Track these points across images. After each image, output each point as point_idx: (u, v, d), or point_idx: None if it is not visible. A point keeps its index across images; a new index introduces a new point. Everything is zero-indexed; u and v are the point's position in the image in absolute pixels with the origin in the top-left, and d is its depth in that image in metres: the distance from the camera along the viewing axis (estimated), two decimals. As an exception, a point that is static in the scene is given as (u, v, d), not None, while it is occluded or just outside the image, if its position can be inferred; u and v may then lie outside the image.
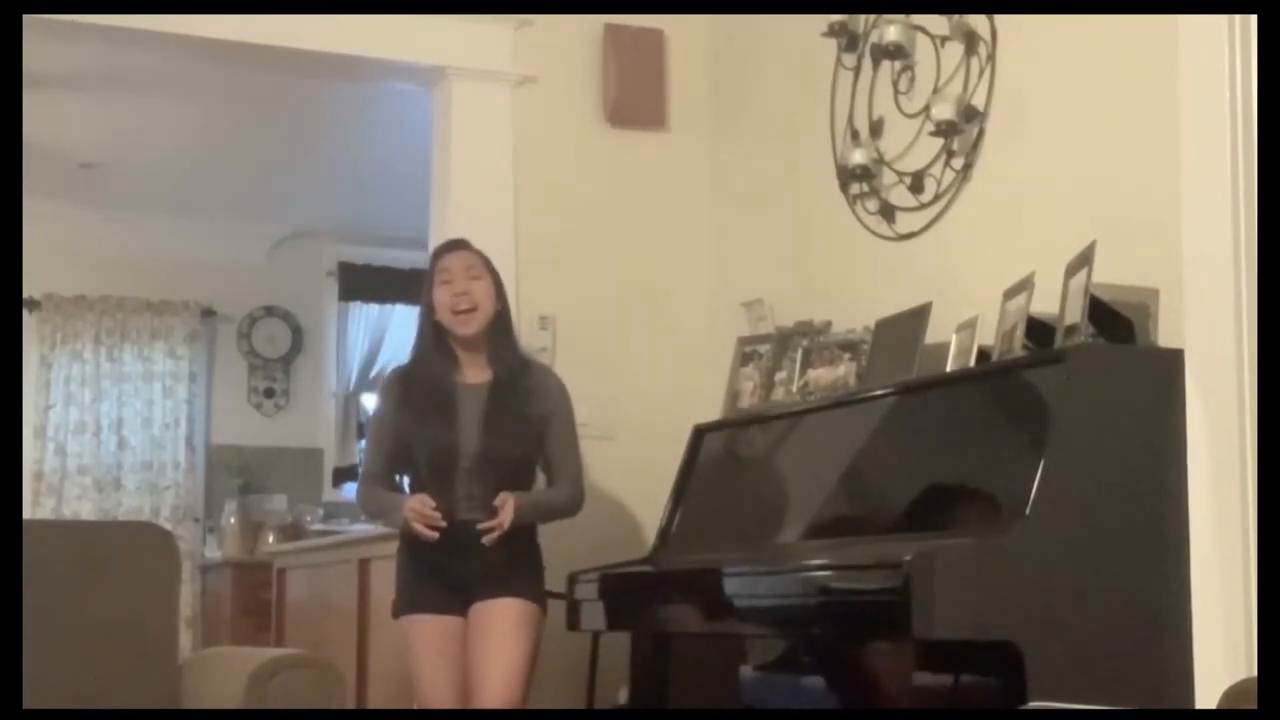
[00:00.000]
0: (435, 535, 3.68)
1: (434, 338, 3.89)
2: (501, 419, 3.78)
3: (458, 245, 3.95)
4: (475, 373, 3.87)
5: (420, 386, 3.86)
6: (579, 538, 4.14)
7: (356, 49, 4.67)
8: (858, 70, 4.22)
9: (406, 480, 3.92)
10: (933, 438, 3.39)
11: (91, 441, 8.07)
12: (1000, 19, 3.68)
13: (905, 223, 4.00)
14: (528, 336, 4.53)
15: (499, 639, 3.69)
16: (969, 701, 3.02)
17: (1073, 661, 2.80)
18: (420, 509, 3.68)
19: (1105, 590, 2.87)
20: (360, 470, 4.05)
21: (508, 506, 3.69)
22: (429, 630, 3.77)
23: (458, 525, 3.74)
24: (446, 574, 3.75)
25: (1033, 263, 3.27)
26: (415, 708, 3.94)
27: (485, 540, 3.68)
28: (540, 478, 3.93)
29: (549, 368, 4.12)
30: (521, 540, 3.80)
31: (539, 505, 3.82)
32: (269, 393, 8.55)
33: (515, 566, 3.76)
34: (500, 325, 3.89)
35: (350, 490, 8.43)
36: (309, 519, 8.02)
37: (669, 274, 4.92)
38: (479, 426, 3.78)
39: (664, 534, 4.15)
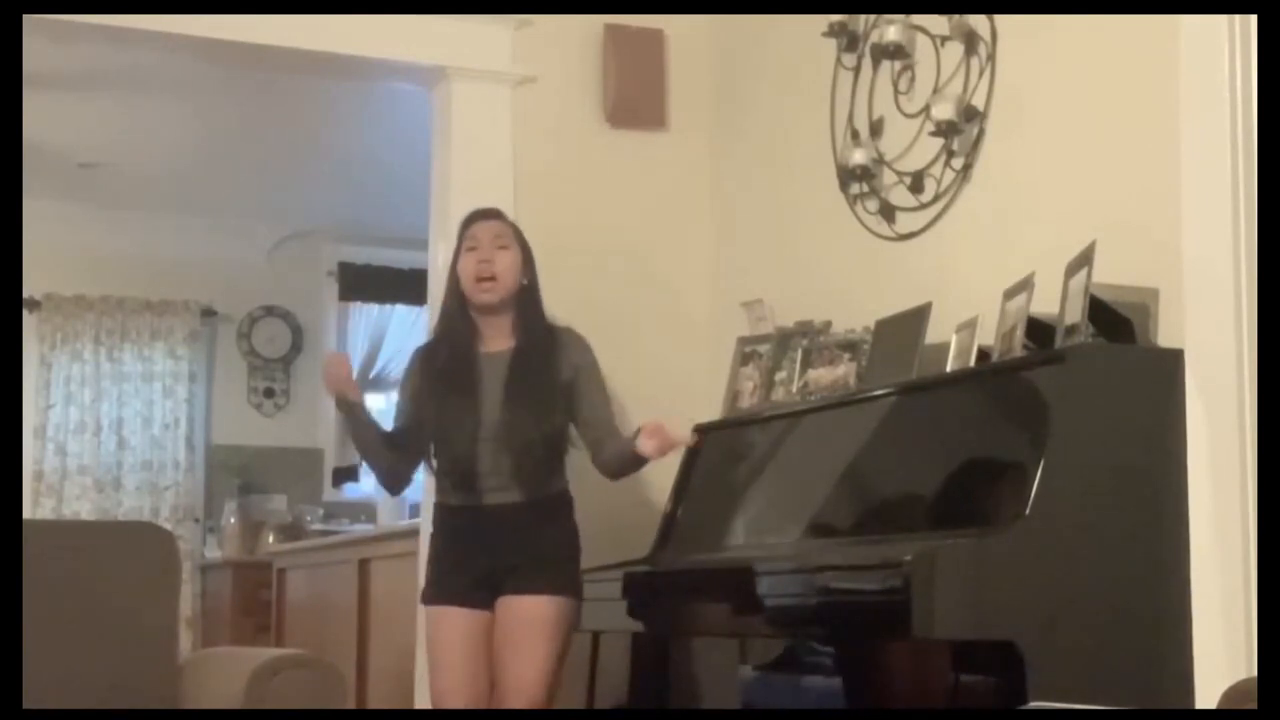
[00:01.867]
0: (343, 384, 3.70)
1: (458, 307, 3.75)
2: (525, 387, 3.63)
3: (488, 214, 3.82)
4: (498, 341, 3.73)
5: (442, 357, 3.73)
6: (579, 537, 4.14)
7: (356, 49, 4.67)
8: (858, 70, 4.22)
9: (431, 458, 3.76)
10: (933, 438, 3.39)
11: (91, 441, 8.07)
12: (1000, 19, 3.68)
13: (905, 223, 4.00)
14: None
15: (526, 641, 3.54)
16: (969, 701, 3.02)
17: (1073, 661, 2.80)
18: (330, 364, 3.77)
19: (1105, 590, 2.87)
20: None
21: (668, 429, 3.49)
22: (452, 624, 3.62)
23: (485, 512, 3.62)
24: (474, 564, 3.60)
25: (1033, 263, 3.27)
26: (420, 692, 3.91)
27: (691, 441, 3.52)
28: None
29: (570, 328, 3.90)
30: (554, 516, 3.66)
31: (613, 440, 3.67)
32: (269, 393, 8.56)
33: (547, 556, 3.61)
34: (527, 300, 3.76)
35: (350, 490, 8.46)
36: (309, 519, 8.03)
37: (669, 274, 4.92)
38: (501, 396, 3.63)
39: (664, 534, 4.16)
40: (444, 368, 3.70)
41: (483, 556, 3.61)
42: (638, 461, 3.63)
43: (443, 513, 3.74)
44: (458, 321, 3.75)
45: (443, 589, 3.67)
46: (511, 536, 3.60)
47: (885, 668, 3.40)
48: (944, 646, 2.98)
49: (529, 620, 3.55)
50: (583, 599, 3.68)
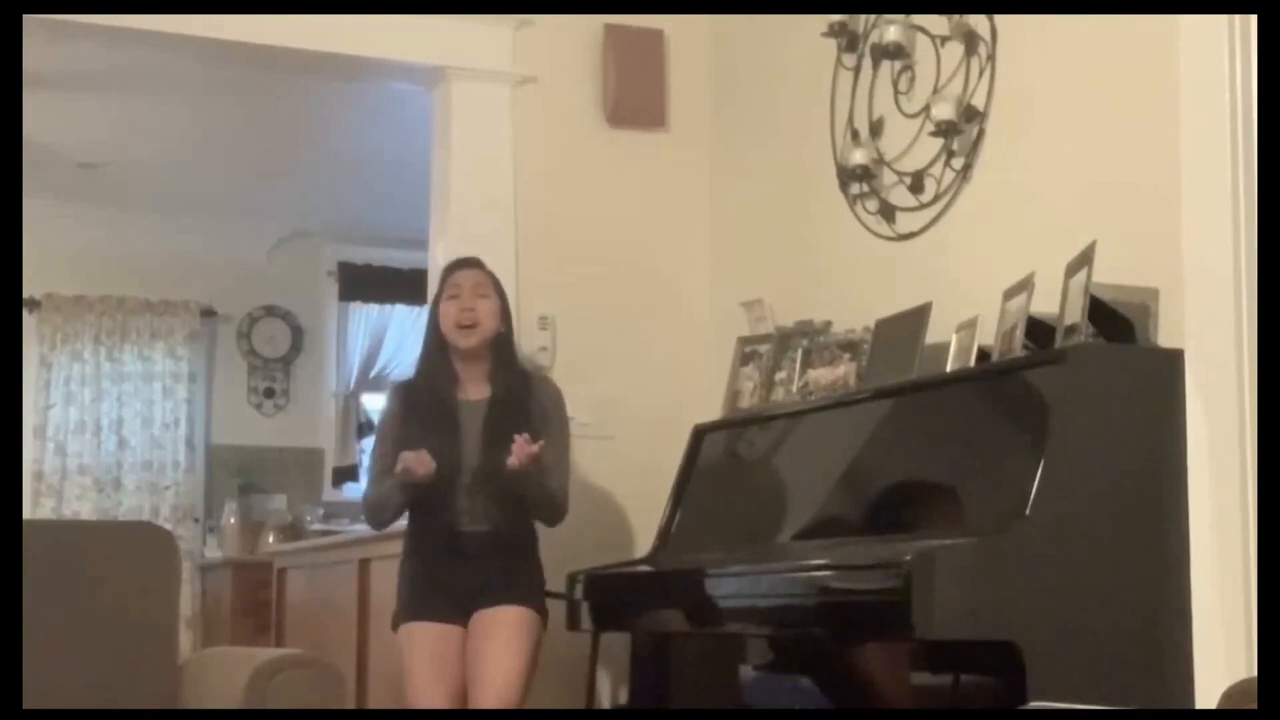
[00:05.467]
0: (430, 469, 3.69)
1: (438, 351, 3.93)
2: (501, 434, 3.78)
3: (470, 263, 4.00)
4: (475, 389, 3.91)
5: (422, 401, 3.91)
6: (579, 538, 4.14)
7: (356, 49, 4.67)
8: (858, 70, 4.22)
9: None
10: (933, 438, 3.39)
11: (91, 441, 8.06)
12: (1000, 19, 3.68)
13: (905, 223, 4.00)
14: (528, 337, 4.53)
15: (498, 644, 3.71)
16: (969, 701, 3.02)
17: (1073, 661, 2.80)
18: (414, 460, 3.69)
19: (1105, 590, 2.87)
20: (369, 473, 4.05)
21: (529, 448, 3.65)
22: (426, 636, 3.79)
23: (460, 537, 3.79)
24: (448, 585, 3.79)
25: (1033, 263, 3.27)
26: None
27: (512, 464, 3.66)
28: None
29: (548, 378, 4.14)
30: (522, 549, 3.85)
31: (541, 474, 3.79)
32: (269, 393, 8.55)
33: (515, 575, 3.80)
34: (502, 346, 3.94)
35: (350, 490, 8.45)
36: (309, 519, 8.02)
37: (669, 274, 4.92)
38: (479, 442, 3.81)
39: (664, 534, 4.15)
40: (427, 416, 3.87)
41: (456, 579, 3.79)
42: (530, 494, 3.81)
43: (417, 540, 3.89)
44: (438, 369, 3.92)
45: (416, 607, 3.84)
46: (483, 561, 3.78)
47: (883, 668, 3.39)
48: (944, 646, 2.97)
49: (501, 626, 3.74)
50: (546, 617, 3.83)
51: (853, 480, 3.59)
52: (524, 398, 3.90)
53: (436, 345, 3.94)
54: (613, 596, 3.92)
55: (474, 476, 3.79)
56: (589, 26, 4.88)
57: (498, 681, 3.68)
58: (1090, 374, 2.99)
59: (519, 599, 3.77)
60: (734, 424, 4.20)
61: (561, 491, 3.89)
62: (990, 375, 3.29)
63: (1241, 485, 2.82)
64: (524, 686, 3.72)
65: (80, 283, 8.14)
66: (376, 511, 3.94)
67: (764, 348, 4.27)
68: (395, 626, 3.89)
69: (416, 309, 8.15)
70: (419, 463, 3.69)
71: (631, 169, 4.92)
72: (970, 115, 3.73)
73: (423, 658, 3.78)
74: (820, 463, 3.74)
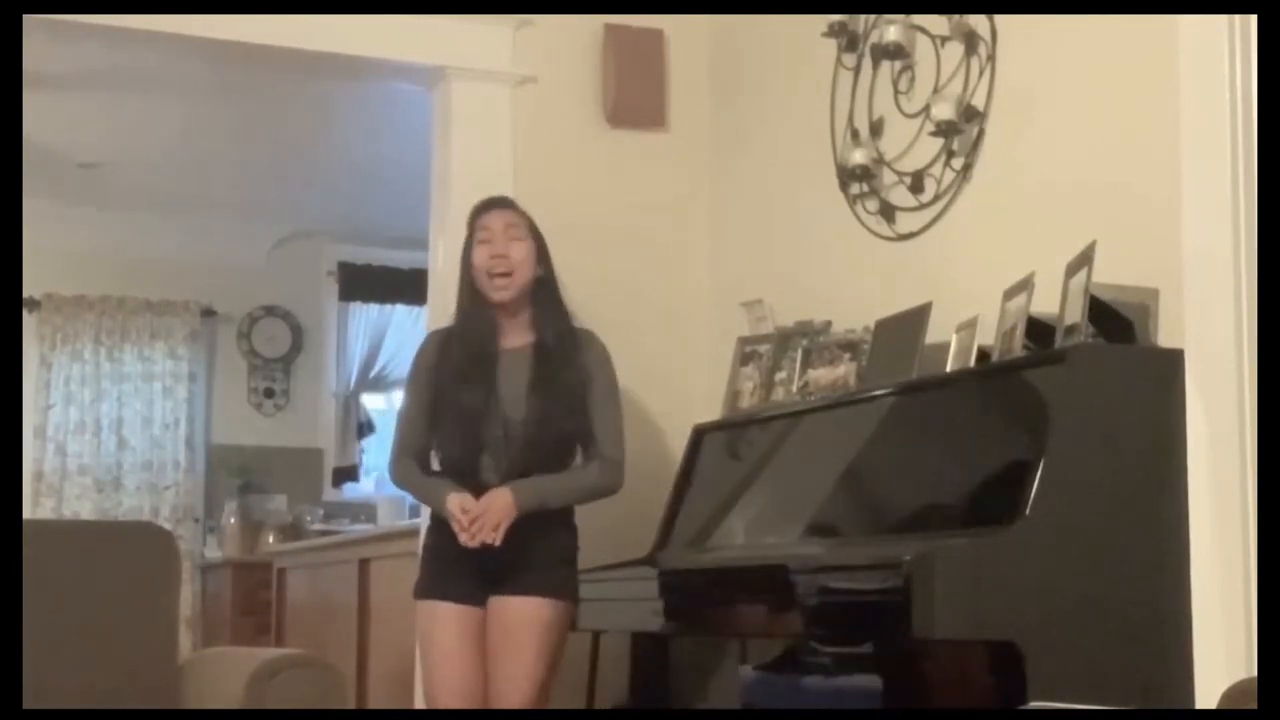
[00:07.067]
0: (474, 544, 3.52)
1: (472, 299, 3.71)
2: (549, 385, 3.62)
3: (499, 203, 3.79)
4: (517, 336, 3.72)
5: (458, 350, 3.69)
6: (579, 538, 4.13)
7: (356, 49, 4.67)
8: (858, 70, 4.22)
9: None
10: (933, 438, 3.39)
11: (91, 441, 8.08)
12: (1000, 19, 3.68)
13: (905, 223, 4.00)
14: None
15: (515, 642, 3.57)
16: (969, 701, 3.02)
17: (1073, 661, 2.80)
18: (463, 518, 3.52)
19: (1105, 590, 2.87)
20: (397, 428, 3.82)
21: (497, 504, 3.53)
22: (446, 620, 3.64)
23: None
24: (473, 561, 3.58)
25: (1033, 263, 3.27)
26: (420, 691, 3.92)
27: (472, 543, 3.54)
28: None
29: (594, 334, 3.87)
30: (554, 524, 3.67)
31: (552, 490, 3.64)
32: (269, 393, 8.56)
33: (544, 557, 3.63)
34: (544, 290, 3.73)
35: (350, 490, 8.46)
36: (309, 519, 8.03)
37: (669, 274, 4.92)
38: (524, 392, 3.62)
39: (663, 534, 4.16)
40: (462, 366, 3.67)
41: (479, 552, 3.57)
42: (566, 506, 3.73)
43: None
44: (474, 316, 3.71)
45: (436, 585, 3.69)
46: (510, 537, 3.57)
47: (893, 667, 3.40)
48: (943, 646, 2.97)
49: (519, 622, 3.59)
50: (578, 600, 3.71)
51: (852, 480, 3.59)
52: (572, 348, 3.69)
53: (470, 294, 3.70)
54: (612, 596, 3.92)
55: (519, 430, 3.59)
56: (589, 26, 4.88)
57: (514, 688, 3.55)
58: (1090, 374, 2.99)
59: (541, 587, 3.59)
60: (734, 424, 4.20)
61: (606, 471, 3.70)
62: (990, 375, 3.29)
63: (1241, 485, 2.82)
64: (544, 686, 3.60)
65: (80, 283, 8.15)
66: (396, 483, 3.85)
67: (764, 348, 4.27)
68: (415, 595, 3.74)
69: (416, 309, 8.16)
70: (462, 525, 3.53)
71: (631, 169, 4.91)
72: (970, 115, 3.73)
73: (441, 643, 3.63)
74: (820, 463, 3.74)
